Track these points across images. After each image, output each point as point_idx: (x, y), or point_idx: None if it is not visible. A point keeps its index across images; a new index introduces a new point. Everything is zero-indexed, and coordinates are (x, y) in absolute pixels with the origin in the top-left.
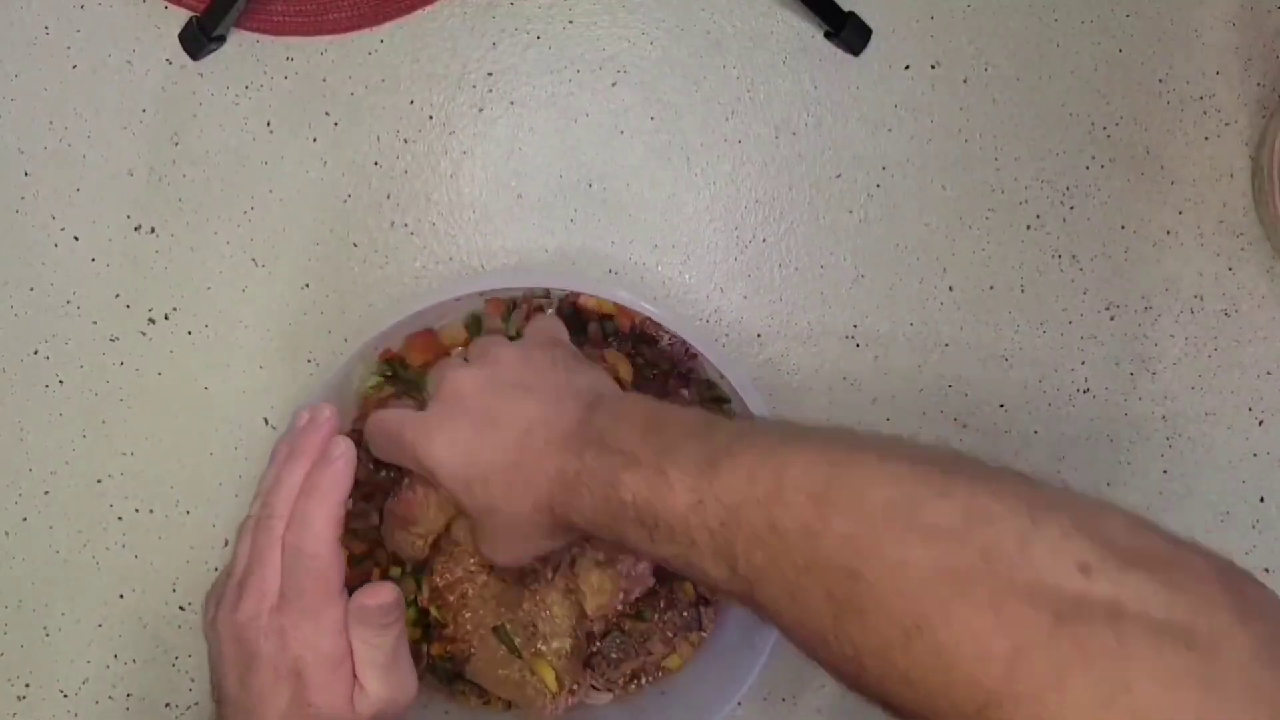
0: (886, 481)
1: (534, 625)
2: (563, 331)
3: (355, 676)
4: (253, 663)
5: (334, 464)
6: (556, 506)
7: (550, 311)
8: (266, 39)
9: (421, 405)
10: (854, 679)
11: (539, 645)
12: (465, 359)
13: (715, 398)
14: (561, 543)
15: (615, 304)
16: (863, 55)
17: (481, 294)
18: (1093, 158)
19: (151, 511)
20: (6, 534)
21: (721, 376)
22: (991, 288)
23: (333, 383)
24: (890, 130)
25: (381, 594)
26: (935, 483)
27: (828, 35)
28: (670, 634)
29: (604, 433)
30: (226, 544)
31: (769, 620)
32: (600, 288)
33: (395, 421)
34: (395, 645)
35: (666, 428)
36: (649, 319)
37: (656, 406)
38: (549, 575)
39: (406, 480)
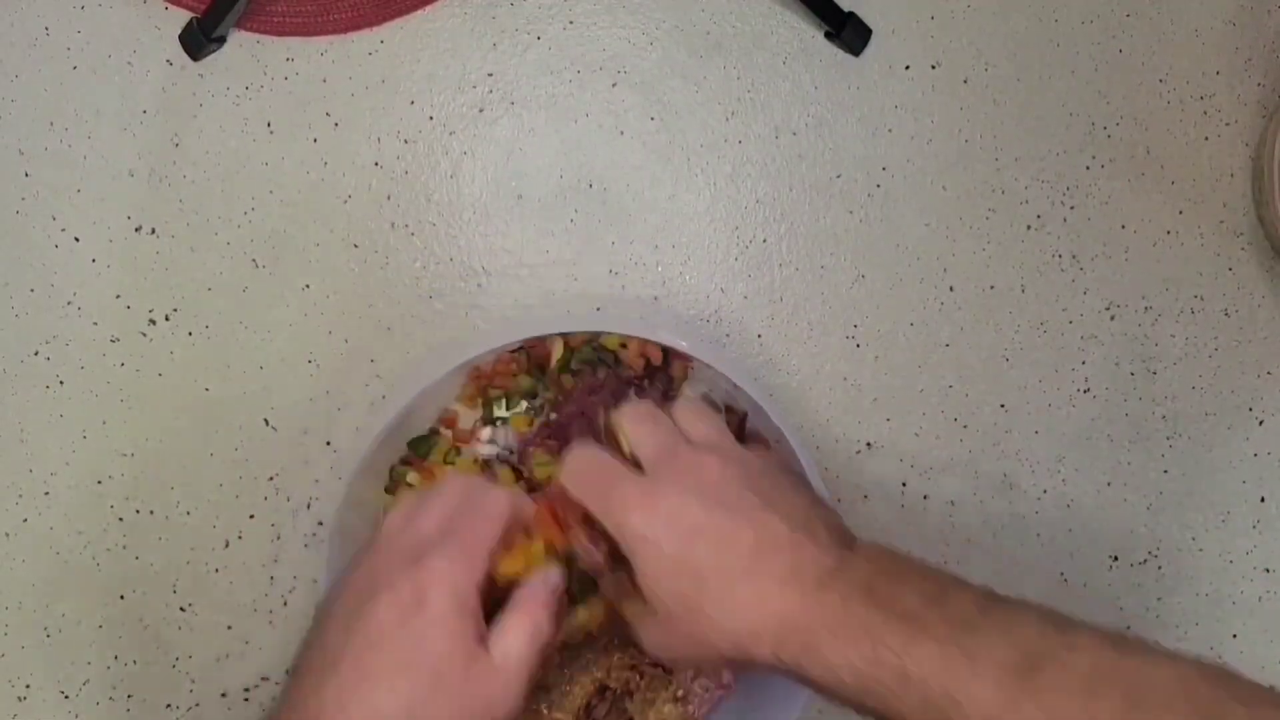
0: (1224, 697)
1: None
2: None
3: (480, 636)
4: (384, 577)
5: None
6: (784, 647)
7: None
8: (267, 39)
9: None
10: None
11: (541, 707)
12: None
13: None
14: (747, 671)
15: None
16: (863, 56)
17: (526, 340)
18: (1093, 158)
19: (152, 512)
20: (7, 535)
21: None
22: (992, 288)
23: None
24: (890, 130)
25: (552, 576)
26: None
27: (828, 36)
28: None
29: (874, 585)
30: (228, 545)
31: None
32: (662, 335)
33: (612, 469)
34: (535, 631)
35: (953, 598)
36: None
37: (927, 567)
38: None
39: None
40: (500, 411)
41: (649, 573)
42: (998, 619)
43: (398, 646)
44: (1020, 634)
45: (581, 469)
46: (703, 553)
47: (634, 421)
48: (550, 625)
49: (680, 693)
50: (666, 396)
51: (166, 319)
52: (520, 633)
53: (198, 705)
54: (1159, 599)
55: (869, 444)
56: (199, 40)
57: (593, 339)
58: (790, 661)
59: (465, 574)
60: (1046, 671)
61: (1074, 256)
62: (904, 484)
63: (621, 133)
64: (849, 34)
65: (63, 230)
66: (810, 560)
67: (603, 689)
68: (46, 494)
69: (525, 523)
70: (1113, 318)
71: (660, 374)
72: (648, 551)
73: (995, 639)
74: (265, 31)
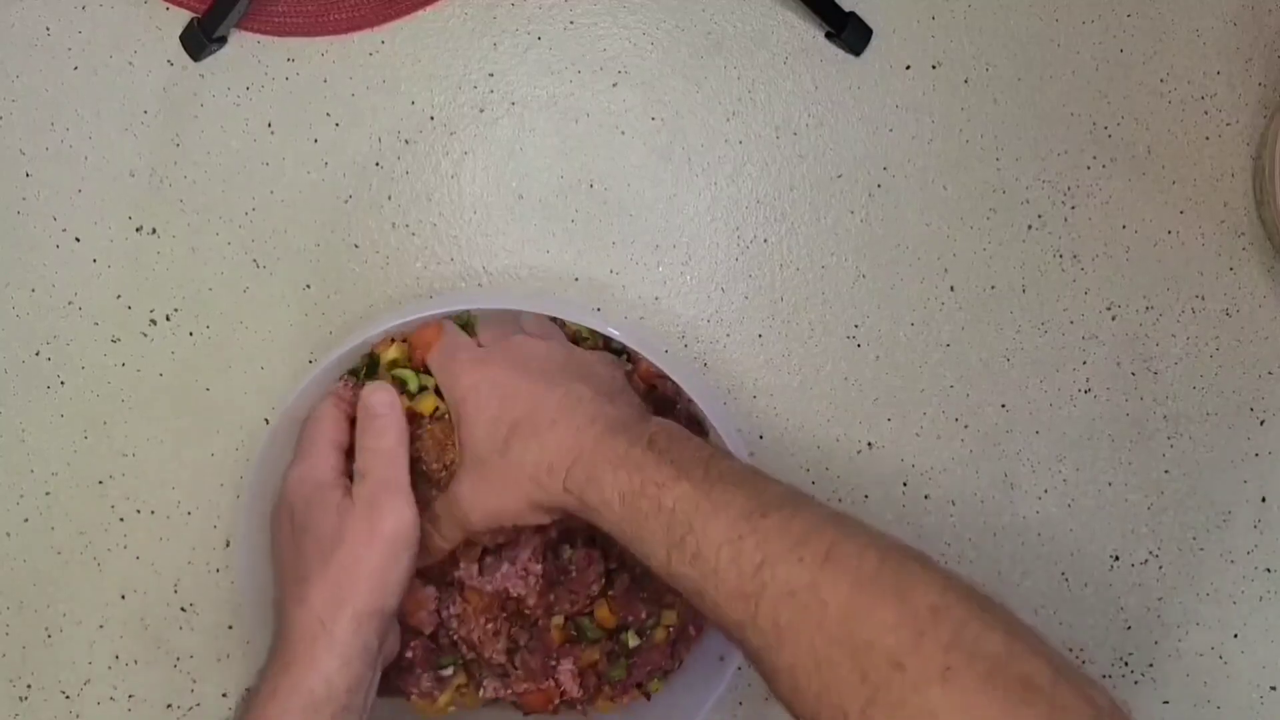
0: (933, 589)
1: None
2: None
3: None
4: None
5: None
6: (577, 476)
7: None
8: (267, 40)
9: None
10: None
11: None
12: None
13: None
14: (540, 520)
15: (632, 357)
16: (864, 55)
17: (466, 311)
18: (1094, 158)
19: (153, 512)
20: (8, 535)
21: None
22: (993, 287)
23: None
24: (891, 130)
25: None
26: (976, 609)
27: (829, 36)
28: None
29: (656, 438)
30: (229, 545)
31: (773, 678)
32: (574, 312)
33: (460, 342)
34: (388, 453)
35: (720, 463)
36: (664, 376)
37: (706, 443)
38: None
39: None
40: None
41: (471, 425)
42: (752, 484)
43: (289, 545)
44: (762, 494)
45: (439, 344)
46: (517, 409)
47: (481, 323)
48: (397, 437)
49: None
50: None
51: (167, 319)
52: (362, 471)
53: (198, 705)
54: (1160, 599)
55: (870, 444)
56: (200, 40)
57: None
58: (575, 490)
59: (311, 465)
60: (770, 518)
61: (1075, 256)
62: (905, 483)
63: (622, 133)
64: (850, 34)
65: (64, 230)
66: (607, 415)
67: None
68: (47, 494)
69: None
70: (1114, 317)
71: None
72: (472, 405)
73: (740, 493)
74: (266, 32)
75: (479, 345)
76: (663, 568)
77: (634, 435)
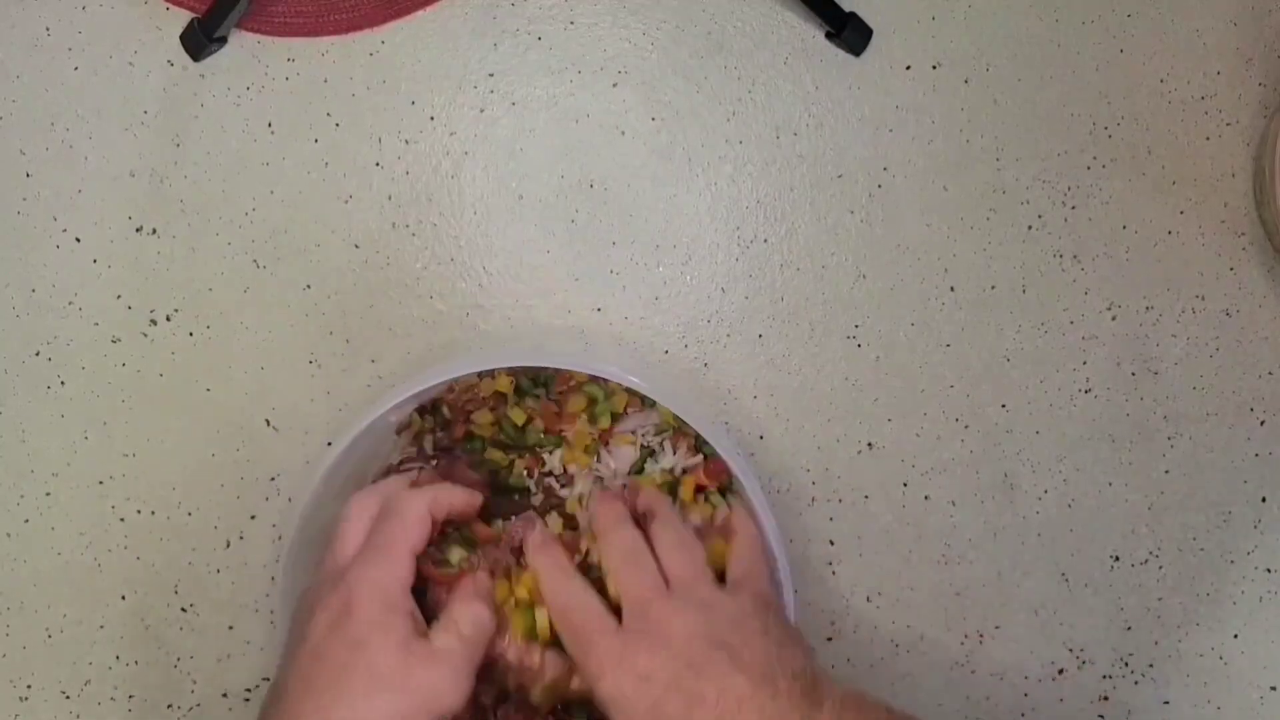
0: None
1: None
2: (766, 575)
3: (417, 631)
4: (316, 599)
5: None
6: None
7: (740, 519)
8: (268, 40)
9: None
10: None
11: None
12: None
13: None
14: None
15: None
16: (864, 56)
17: (479, 373)
18: (1094, 158)
19: (153, 513)
20: (8, 535)
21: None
22: (993, 288)
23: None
24: (891, 131)
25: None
26: None
27: (829, 36)
28: None
29: None
30: (229, 545)
31: None
32: (610, 371)
33: (592, 616)
34: (472, 619)
35: None
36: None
37: (888, 715)
38: None
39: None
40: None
41: None
42: None
43: (335, 654)
44: None
45: (567, 612)
46: (671, 714)
47: (619, 564)
48: (489, 615)
49: None
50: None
51: (168, 319)
52: (456, 621)
53: (199, 706)
54: (1160, 599)
55: (870, 444)
56: (200, 41)
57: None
58: None
59: (388, 574)
60: None
61: (1075, 256)
62: (905, 484)
63: (622, 133)
64: (850, 34)
65: (64, 230)
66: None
67: None
68: (48, 494)
69: (452, 514)
70: (1114, 318)
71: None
72: (621, 711)
73: None
74: (266, 32)
75: (616, 624)
76: None
77: None
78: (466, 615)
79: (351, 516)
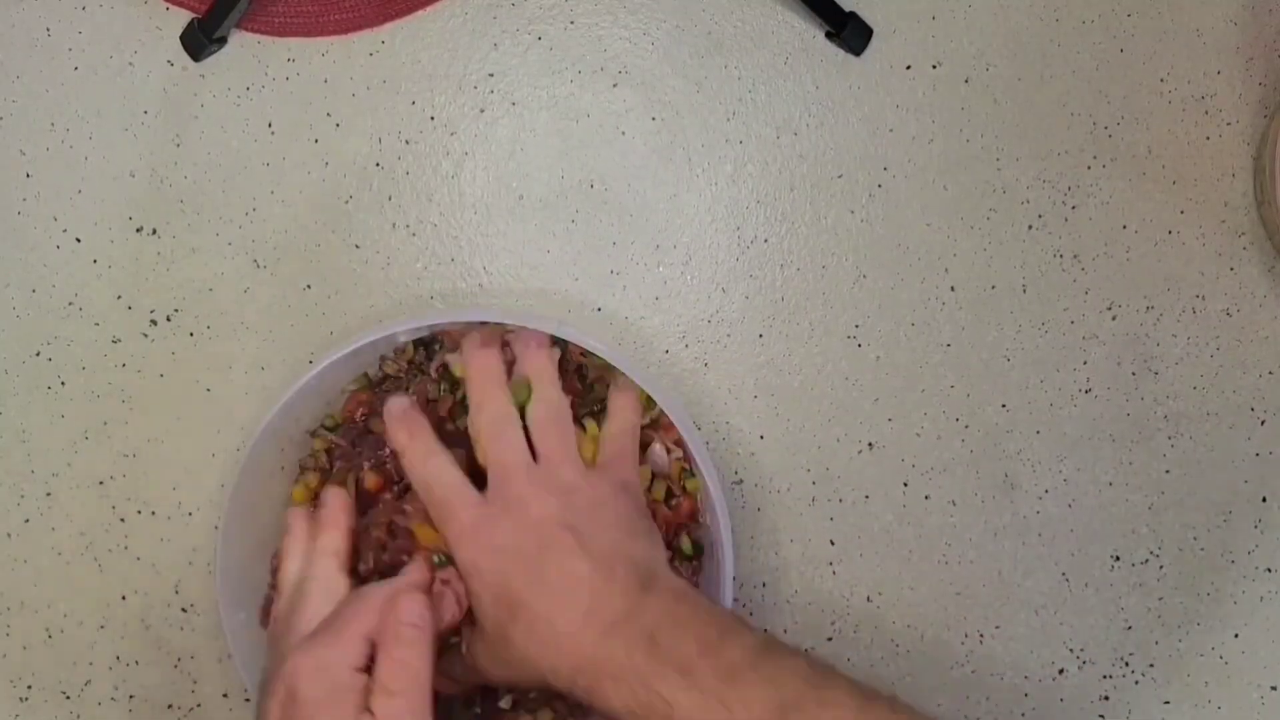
0: None
1: None
2: (634, 448)
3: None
4: (266, 681)
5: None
6: (582, 685)
7: (625, 384)
8: (268, 40)
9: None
10: None
11: None
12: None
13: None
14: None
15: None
16: (864, 55)
17: (447, 324)
18: (1094, 157)
19: (154, 513)
20: (9, 536)
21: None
22: (993, 287)
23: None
24: (892, 130)
25: (403, 606)
26: None
27: (829, 35)
28: None
29: (658, 633)
30: None
31: None
32: (562, 330)
33: (452, 491)
34: (416, 672)
35: (727, 649)
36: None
37: (712, 613)
38: None
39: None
40: None
41: (475, 598)
42: (765, 671)
43: None
44: (780, 687)
45: (429, 487)
46: (516, 587)
47: (489, 437)
48: (420, 658)
49: None
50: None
51: (168, 319)
52: (387, 682)
53: (199, 706)
54: (1160, 599)
55: (870, 444)
56: (200, 41)
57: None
58: (584, 695)
59: (332, 657)
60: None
61: (1075, 256)
62: (905, 484)
63: (622, 133)
64: (850, 34)
65: (64, 231)
66: (604, 604)
67: None
68: (48, 495)
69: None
70: (1114, 317)
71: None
72: (473, 579)
73: (756, 691)
74: (266, 32)
75: (478, 495)
76: None
77: (633, 633)
78: (390, 669)
79: (310, 591)
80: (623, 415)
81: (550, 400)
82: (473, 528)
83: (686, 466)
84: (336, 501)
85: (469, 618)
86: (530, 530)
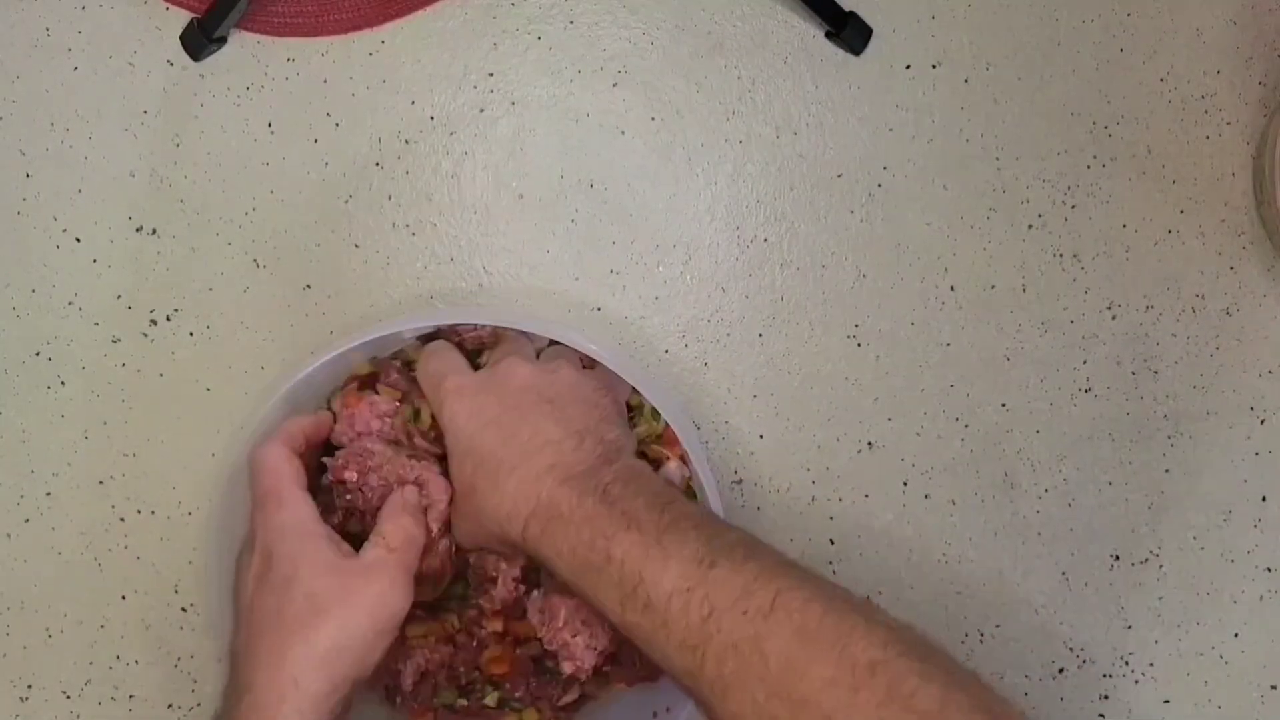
0: (874, 643)
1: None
2: (626, 390)
3: (342, 552)
4: (239, 569)
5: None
6: (533, 528)
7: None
8: (267, 40)
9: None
10: None
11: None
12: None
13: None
14: (517, 555)
15: None
16: (864, 55)
17: (439, 328)
18: (1094, 157)
19: (154, 513)
20: (9, 536)
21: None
22: (993, 287)
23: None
24: (891, 130)
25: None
26: (915, 663)
27: (829, 35)
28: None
29: (611, 488)
30: None
31: None
32: (555, 330)
33: (448, 364)
34: (412, 539)
35: (674, 509)
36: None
37: (670, 489)
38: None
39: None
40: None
41: (451, 454)
42: (705, 531)
43: (269, 600)
44: (715, 541)
45: (428, 358)
46: (488, 442)
47: (498, 345)
48: (417, 527)
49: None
50: None
51: (168, 319)
52: (384, 536)
53: (199, 705)
54: (1160, 598)
55: (870, 443)
56: (200, 41)
57: None
58: (532, 541)
59: (288, 513)
60: (719, 568)
61: (1075, 256)
62: (905, 483)
63: (622, 133)
64: (850, 33)
65: (64, 231)
66: (567, 462)
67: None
68: (48, 494)
69: (310, 439)
70: (1114, 317)
71: None
72: (451, 435)
73: (691, 541)
74: (266, 32)
75: (471, 368)
76: (617, 618)
77: (588, 485)
78: (394, 528)
79: (255, 472)
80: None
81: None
82: (459, 389)
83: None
84: (320, 416)
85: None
86: (511, 395)
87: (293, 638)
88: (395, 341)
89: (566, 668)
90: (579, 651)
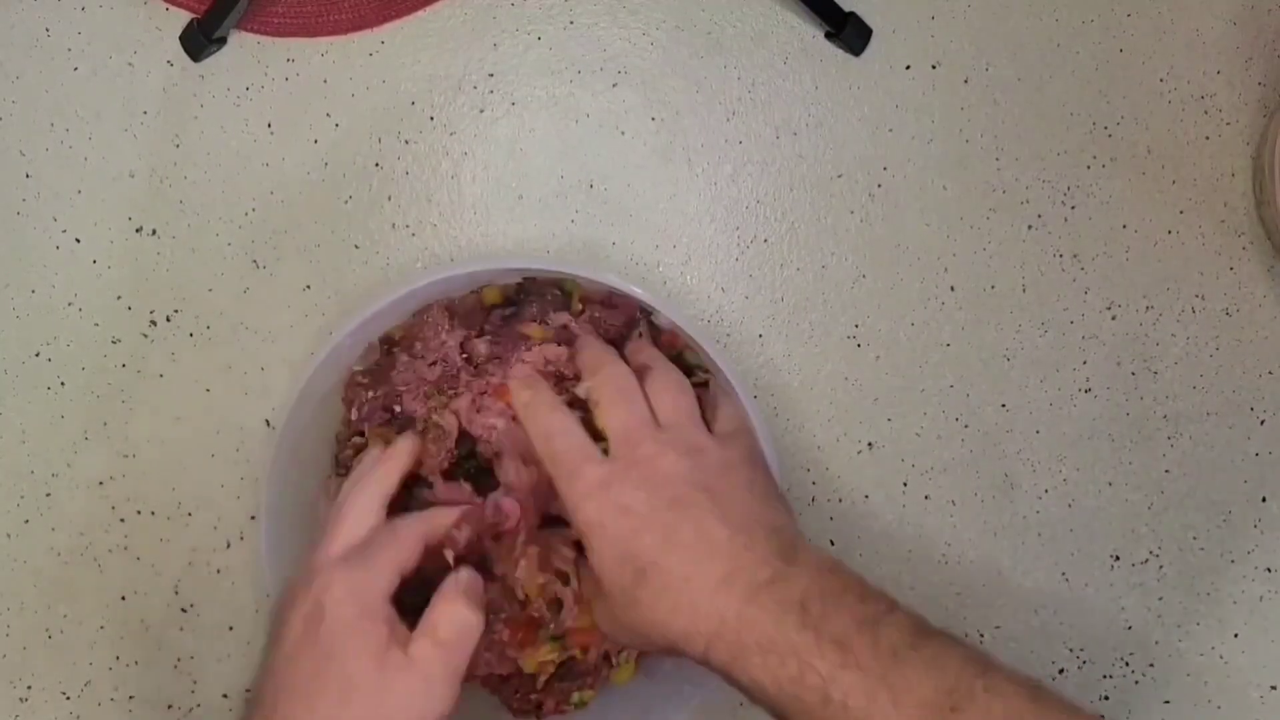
0: None
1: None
2: (757, 439)
3: (395, 639)
4: (292, 596)
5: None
6: (720, 652)
7: (738, 403)
8: (267, 40)
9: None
10: None
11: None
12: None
13: None
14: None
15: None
16: (863, 55)
17: (471, 275)
18: (1094, 157)
19: (153, 514)
20: (9, 536)
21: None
22: (993, 287)
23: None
24: (891, 130)
25: (463, 574)
26: None
27: (828, 36)
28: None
29: (808, 604)
30: (229, 546)
31: None
32: (595, 272)
33: (577, 446)
34: (467, 628)
35: (888, 629)
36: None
37: (864, 589)
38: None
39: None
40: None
41: (598, 558)
42: (925, 654)
43: (308, 662)
44: (944, 672)
45: (551, 438)
46: (645, 547)
47: (610, 400)
48: (474, 616)
49: None
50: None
51: (167, 320)
52: (435, 625)
53: (199, 706)
54: (1160, 598)
55: (870, 444)
56: (199, 41)
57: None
58: (719, 666)
59: (367, 580)
60: (964, 713)
61: (1075, 256)
62: (905, 483)
63: (622, 133)
64: (849, 34)
65: (64, 231)
66: (746, 569)
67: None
68: (48, 495)
69: (444, 536)
70: (1114, 317)
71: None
72: (597, 538)
73: (919, 675)
74: (266, 32)
75: (601, 455)
76: None
77: (782, 601)
78: (446, 618)
79: (346, 512)
80: (732, 399)
81: (668, 369)
82: (600, 483)
83: None
84: (404, 444)
85: (588, 583)
86: (661, 488)
87: (315, 712)
88: (466, 283)
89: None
90: (477, 660)
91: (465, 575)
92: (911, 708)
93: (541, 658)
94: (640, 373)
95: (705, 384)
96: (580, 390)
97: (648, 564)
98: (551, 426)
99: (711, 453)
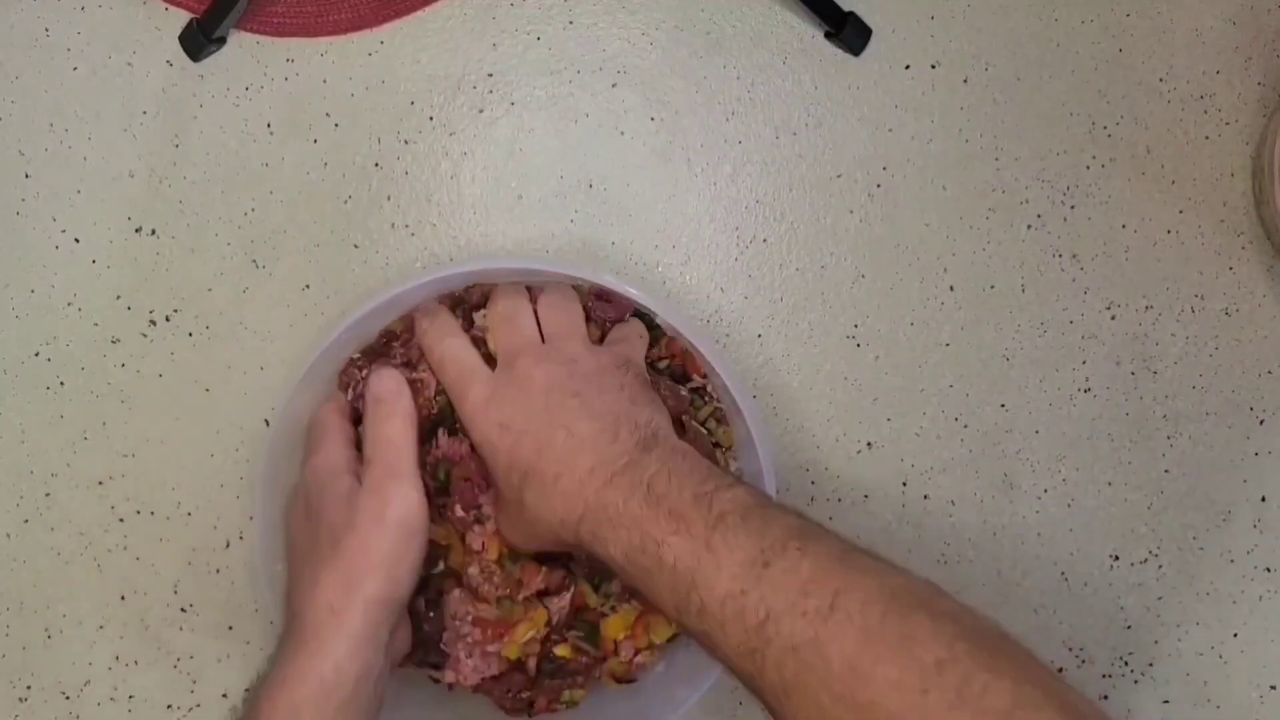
0: (940, 641)
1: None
2: (640, 349)
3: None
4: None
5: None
6: (585, 533)
7: (632, 318)
8: (267, 40)
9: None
10: None
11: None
12: (540, 338)
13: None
14: (576, 553)
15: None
16: (863, 55)
17: (470, 275)
18: (1093, 157)
19: (153, 513)
20: (8, 536)
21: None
22: (992, 287)
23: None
24: (891, 130)
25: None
26: (984, 658)
27: (828, 35)
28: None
29: (654, 483)
30: (229, 545)
31: None
32: (594, 274)
33: (466, 368)
34: (389, 439)
35: (721, 501)
36: (686, 351)
37: (710, 470)
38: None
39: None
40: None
41: (492, 468)
42: (753, 523)
43: (303, 531)
44: (764, 536)
45: (444, 364)
46: (525, 454)
47: (496, 323)
48: (400, 426)
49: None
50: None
51: (167, 320)
52: (371, 453)
53: (199, 706)
54: (1160, 598)
55: (869, 444)
56: (199, 41)
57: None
58: (588, 546)
59: (324, 454)
60: (773, 567)
61: (1074, 256)
62: (904, 483)
63: (621, 133)
64: (849, 33)
65: (63, 231)
66: (608, 460)
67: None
68: (47, 495)
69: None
70: (1113, 317)
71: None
72: (488, 454)
73: (741, 538)
74: (265, 32)
75: (490, 373)
76: (674, 620)
77: (633, 482)
78: (375, 444)
79: (311, 428)
80: (636, 327)
81: (560, 290)
82: (484, 403)
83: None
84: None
85: (492, 493)
86: (537, 400)
87: (320, 567)
88: (465, 282)
89: (448, 676)
90: (465, 669)
91: (374, 391)
92: (733, 566)
93: (520, 638)
94: (535, 296)
95: (699, 387)
96: (477, 318)
97: (528, 469)
98: (445, 352)
99: (585, 360)
